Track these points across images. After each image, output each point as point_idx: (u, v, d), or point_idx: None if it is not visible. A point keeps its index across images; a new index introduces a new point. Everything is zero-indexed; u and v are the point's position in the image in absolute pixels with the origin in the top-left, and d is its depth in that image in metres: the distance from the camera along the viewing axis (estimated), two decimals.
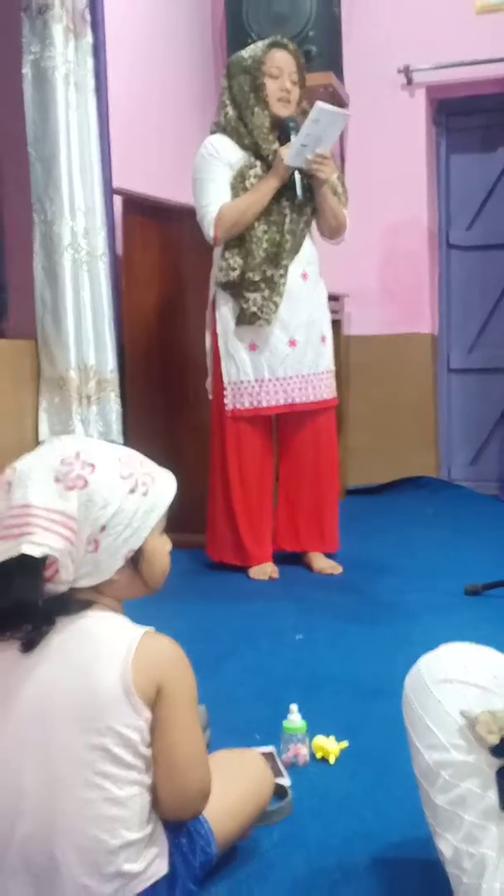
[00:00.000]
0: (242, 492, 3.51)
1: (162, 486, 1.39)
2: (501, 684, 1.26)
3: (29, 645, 1.28)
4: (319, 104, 3.17)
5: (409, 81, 5.21)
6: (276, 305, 3.35)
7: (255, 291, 3.33)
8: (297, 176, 3.29)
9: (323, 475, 3.58)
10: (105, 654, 1.28)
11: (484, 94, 5.29)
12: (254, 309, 3.33)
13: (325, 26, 4.66)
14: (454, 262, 5.66)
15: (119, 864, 1.27)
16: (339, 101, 4.87)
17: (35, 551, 1.24)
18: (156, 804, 1.34)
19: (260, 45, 3.38)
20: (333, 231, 3.52)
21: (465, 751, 1.22)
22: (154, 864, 1.33)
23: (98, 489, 1.30)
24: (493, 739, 1.18)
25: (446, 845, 1.23)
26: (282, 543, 3.65)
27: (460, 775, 1.22)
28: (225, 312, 3.43)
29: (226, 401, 3.45)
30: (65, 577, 1.29)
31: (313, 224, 3.54)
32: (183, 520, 3.93)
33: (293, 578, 3.48)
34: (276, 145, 3.32)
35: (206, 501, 3.57)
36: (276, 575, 3.50)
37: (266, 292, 3.33)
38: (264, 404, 3.43)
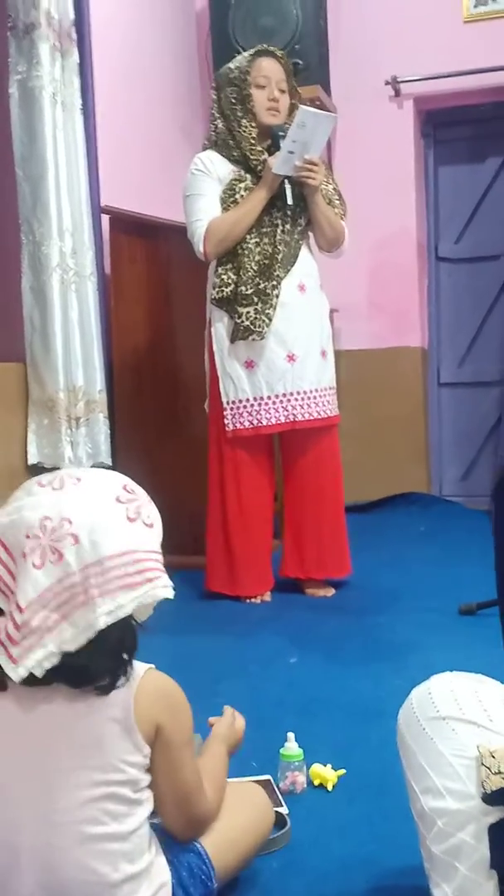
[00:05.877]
0: (241, 522, 3.40)
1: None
2: (493, 718, 1.25)
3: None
4: (303, 108, 3.14)
5: (397, 93, 5.21)
6: (269, 318, 3.25)
7: (248, 305, 3.23)
8: (287, 184, 3.23)
9: (326, 498, 3.47)
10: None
11: (471, 105, 5.29)
12: (246, 323, 3.24)
13: (312, 39, 4.66)
14: (443, 275, 5.65)
15: None
16: None
17: (170, 593, 1.27)
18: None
19: (246, 54, 3.33)
20: (331, 242, 3.44)
21: (460, 797, 1.20)
22: None
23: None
24: (490, 785, 1.15)
25: (441, 894, 1.22)
26: (288, 571, 3.54)
27: (455, 824, 1.20)
28: (220, 329, 3.35)
29: (226, 421, 3.35)
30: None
31: (311, 236, 3.47)
32: (174, 542, 3.89)
33: (285, 601, 3.45)
34: (264, 156, 3.27)
35: (197, 523, 3.51)
36: (268, 598, 3.46)
37: (259, 305, 3.23)
38: (265, 423, 3.32)
